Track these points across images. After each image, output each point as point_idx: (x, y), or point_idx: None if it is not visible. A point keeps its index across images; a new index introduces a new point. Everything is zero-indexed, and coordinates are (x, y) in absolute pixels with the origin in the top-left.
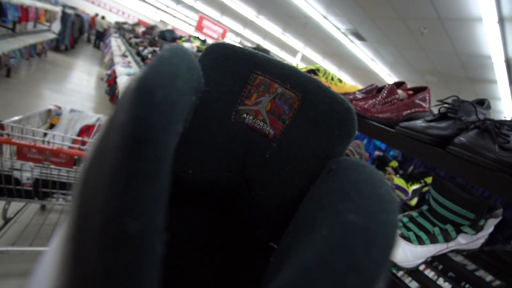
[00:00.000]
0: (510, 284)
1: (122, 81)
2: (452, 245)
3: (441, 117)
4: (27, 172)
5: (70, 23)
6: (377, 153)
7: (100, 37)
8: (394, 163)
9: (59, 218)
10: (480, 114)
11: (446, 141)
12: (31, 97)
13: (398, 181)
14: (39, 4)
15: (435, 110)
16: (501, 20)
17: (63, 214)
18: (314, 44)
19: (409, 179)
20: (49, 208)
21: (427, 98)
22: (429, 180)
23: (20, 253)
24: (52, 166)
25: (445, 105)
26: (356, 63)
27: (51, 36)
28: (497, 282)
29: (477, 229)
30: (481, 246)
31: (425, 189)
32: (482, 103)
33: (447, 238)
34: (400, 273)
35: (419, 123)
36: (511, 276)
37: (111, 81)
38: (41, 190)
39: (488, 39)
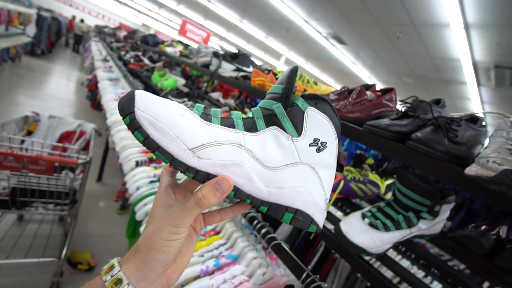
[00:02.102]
0: (470, 265)
1: (104, 86)
2: (414, 231)
3: (403, 115)
4: (3, 181)
5: (47, 26)
6: (358, 152)
7: (79, 41)
8: (370, 161)
9: (38, 228)
10: (436, 112)
11: (406, 137)
12: (5, 104)
13: (373, 176)
14: (12, 7)
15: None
16: (467, 26)
17: (43, 224)
18: (297, 47)
19: (384, 174)
20: (27, 218)
21: (394, 98)
22: None
23: None
24: (31, 174)
25: (407, 105)
26: (338, 66)
27: (25, 39)
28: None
29: (434, 214)
30: (446, 232)
31: None
32: (438, 102)
33: (410, 224)
34: (377, 264)
35: (383, 121)
36: (471, 258)
37: (92, 86)
38: (18, 199)
39: (456, 44)
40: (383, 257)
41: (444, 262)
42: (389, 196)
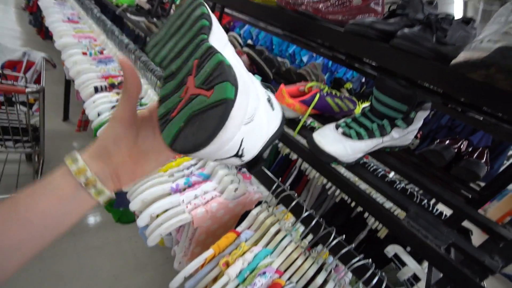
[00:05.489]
0: (428, 178)
1: (47, 5)
2: (386, 140)
3: (390, 15)
4: None
5: None
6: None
7: None
8: (349, 85)
9: (3, 168)
10: (427, 12)
11: (391, 37)
12: None
13: (346, 94)
14: None
15: None
16: None
17: (8, 164)
18: None
19: (361, 97)
20: None
21: (381, 3)
22: None
23: None
24: None
25: (396, 3)
26: None
27: None
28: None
29: (409, 122)
30: (412, 150)
31: None
32: (431, 2)
33: (383, 133)
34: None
35: (367, 19)
36: (431, 171)
37: (33, 7)
38: None
39: None
40: (353, 167)
41: (413, 170)
42: None
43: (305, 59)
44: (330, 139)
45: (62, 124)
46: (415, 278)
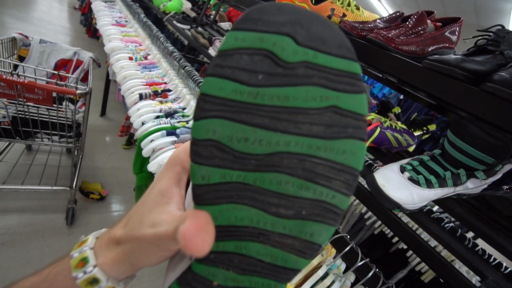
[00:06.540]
0: (488, 224)
1: (98, 8)
2: (459, 189)
3: (478, 51)
4: (1, 110)
5: None
6: (385, 99)
7: None
8: (397, 109)
9: (47, 158)
10: None
11: (481, 79)
12: None
13: (403, 126)
14: None
15: (461, 48)
16: None
17: (51, 154)
18: None
19: (412, 126)
20: (35, 148)
21: (457, 31)
22: (431, 127)
23: (13, 191)
24: (29, 103)
25: (486, 36)
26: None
27: None
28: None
29: (490, 174)
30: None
31: (425, 136)
32: None
33: (457, 183)
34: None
35: (453, 56)
36: (493, 218)
37: (85, 8)
38: (21, 129)
39: None
40: (414, 214)
41: (480, 221)
42: (411, 149)
43: None
44: (395, 184)
45: (99, 119)
46: None
